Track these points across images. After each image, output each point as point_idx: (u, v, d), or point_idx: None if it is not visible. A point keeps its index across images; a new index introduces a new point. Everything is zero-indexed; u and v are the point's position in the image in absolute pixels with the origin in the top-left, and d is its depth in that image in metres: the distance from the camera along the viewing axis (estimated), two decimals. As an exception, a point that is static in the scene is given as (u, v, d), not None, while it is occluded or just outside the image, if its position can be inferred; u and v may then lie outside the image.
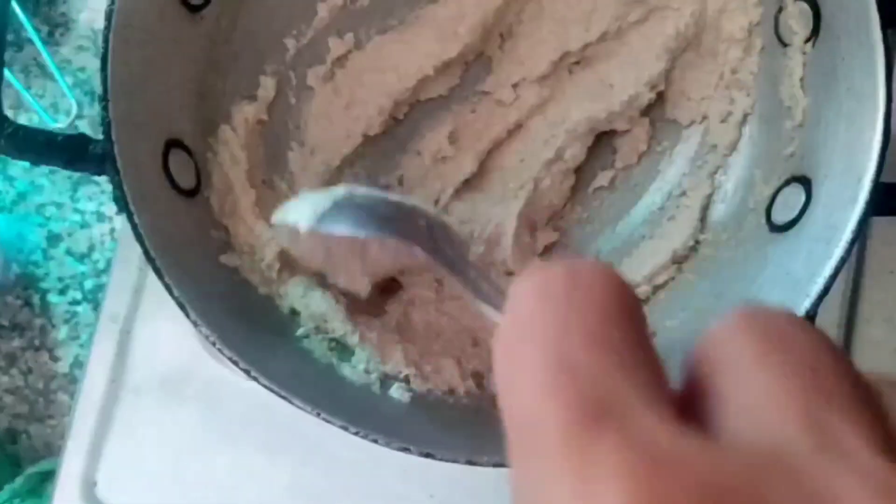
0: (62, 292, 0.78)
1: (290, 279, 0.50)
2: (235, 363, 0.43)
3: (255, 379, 0.43)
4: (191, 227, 0.48)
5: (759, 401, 0.17)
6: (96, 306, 0.74)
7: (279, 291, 0.49)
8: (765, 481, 0.15)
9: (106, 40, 0.45)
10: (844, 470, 0.15)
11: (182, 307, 0.43)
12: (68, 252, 0.78)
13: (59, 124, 0.77)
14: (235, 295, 0.48)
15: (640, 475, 0.14)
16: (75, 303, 0.79)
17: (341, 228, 0.37)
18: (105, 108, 0.44)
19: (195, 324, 0.43)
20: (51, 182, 0.77)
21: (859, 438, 0.16)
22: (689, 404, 0.17)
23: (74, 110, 0.77)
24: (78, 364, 0.76)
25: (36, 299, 0.78)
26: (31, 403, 0.73)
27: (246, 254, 0.49)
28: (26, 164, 0.76)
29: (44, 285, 0.77)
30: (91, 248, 0.78)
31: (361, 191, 0.39)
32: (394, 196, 0.39)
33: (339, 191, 0.39)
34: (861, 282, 0.58)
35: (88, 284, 0.78)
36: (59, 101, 0.82)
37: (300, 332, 0.49)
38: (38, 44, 0.80)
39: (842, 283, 0.58)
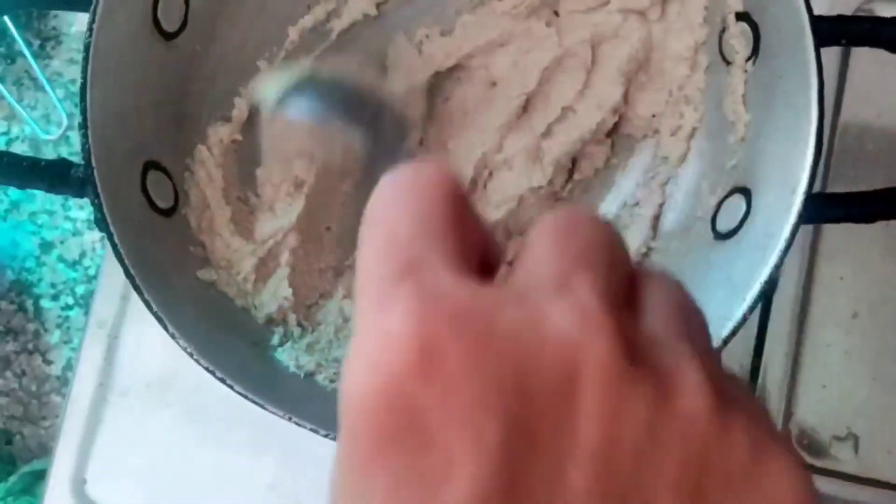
0: (55, 298, 0.81)
1: (264, 289, 0.53)
2: (212, 373, 0.46)
3: (230, 387, 0.46)
4: (169, 244, 0.51)
5: (535, 262, 0.22)
6: (87, 311, 0.77)
7: (255, 303, 0.52)
8: (501, 307, 0.20)
9: (84, 70, 0.47)
10: (563, 301, 0.20)
11: (161, 321, 0.46)
12: (60, 259, 0.81)
13: (51, 136, 0.80)
14: (213, 307, 0.51)
15: (418, 308, 0.19)
16: (67, 308, 0.81)
17: (297, 112, 0.41)
18: (85, 136, 0.47)
19: (173, 336, 0.46)
20: (43, 192, 0.79)
21: (585, 287, 0.20)
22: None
23: (65, 122, 0.80)
24: (70, 367, 0.79)
25: (29, 304, 0.81)
26: (25, 405, 0.76)
27: (222, 268, 0.52)
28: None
29: (37, 291, 0.79)
30: (82, 255, 0.80)
31: (325, 71, 0.42)
32: (351, 76, 0.42)
33: (305, 69, 0.43)
34: (812, 287, 0.61)
35: (80, 290, 0.80)
36: (52, 113, 0.85)
37: (274, 340, 0.52)
38: (30, 57, 0.82)
39: (794, 288, 0.61)
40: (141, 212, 0.50)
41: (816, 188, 0.49)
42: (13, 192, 0.80)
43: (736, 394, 0.21)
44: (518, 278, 0.21)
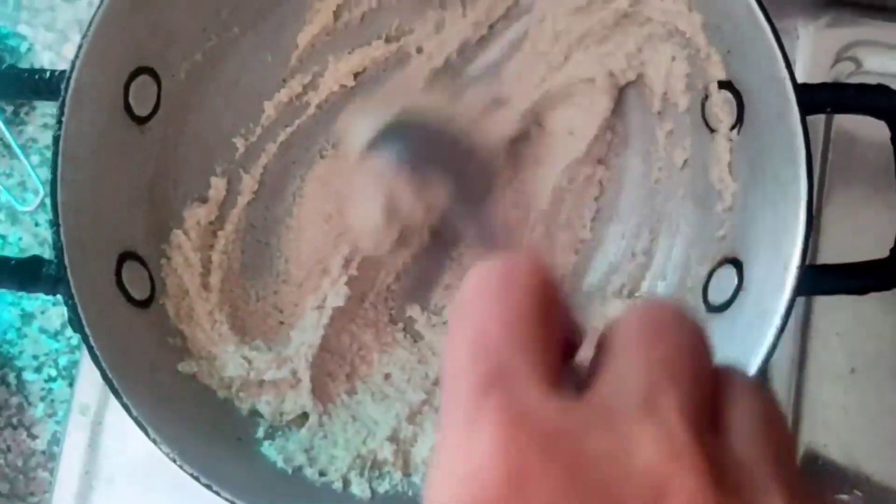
0: (37, 370, 0.79)
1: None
2: (196, 479, 0.45)
3: (216, 493, 0.45)
4: (147, 338, 0.50)
5: (619, 373, 0.22)
6: (71, 382, 0.76)
7: (238, 394, 0.51)
8: (588, 430, 0.20)
9: (54, 165, 0.46)
10: (649, 426, 0.20)
11: (142, 427, 0.45)
12: (42, 330, 0.80)
13: (28, 207, 0.78)
14: (194, 402, 0.50)
15: (506, 424, 0.20)
16: (51, 380, 0.80)
17: (387, 155, 0.40)
18: (56, 233, 0.46)
19: (155, 442, 0.45)
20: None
21: (672, 408, 0.20)
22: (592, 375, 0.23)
23: (41, 190, 0.79)
24: (55, 441, 0.77)
25: (12, 377, 0.80)
26: (11, 482, 0.75)
27: (204, 358, 0.51)
28: (-4, 244, 0.78)
29: (19, 363, 0.78)
30: (64, 325, 0.79)
31: (417, 113, 0.41)
32: (441, 120, 0.41)
33: (396, 111, 0.41)
34: (808, 344, 0.60)
35: (63, 361, 0.79)
36: (27, 180, 0.83)
37: (259, 433, 0.51)
38: (2, 125, 0.81)
39: (790, 346, 0.60)
40: (117, 307, 0.49)
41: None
42: (-9, 260, 0.78)
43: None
44: (602, 392, 0.22)
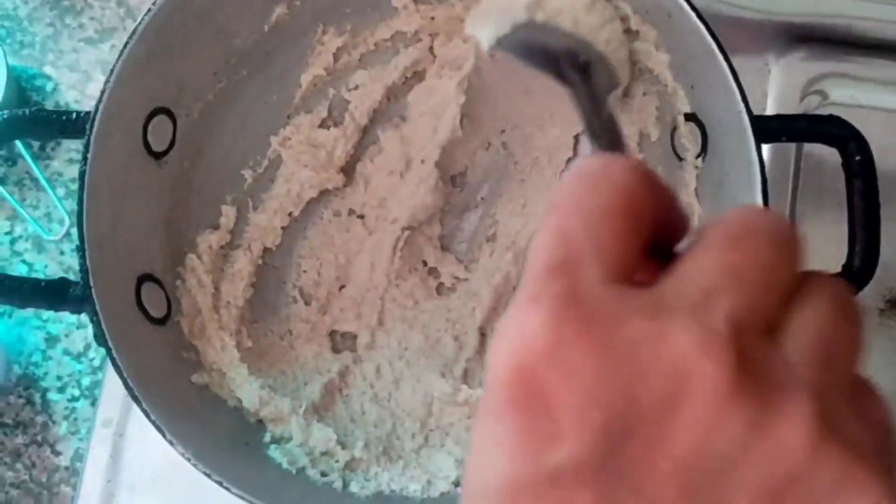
0: (61, 390, 0.83)
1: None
2: (209, 476, 0.49)
3: (227, 489, 0.49)
4: (164, 352, 0.54)
5: (690, 270, 0.23)
6: (93, 402, 0.79)
7: (247, 409, 0.56)
8: (634, 313, 0.22)
9: (80, 197, 0.51)
10: (692, 321, 0.22)
11: (159, 429, 0.50)
12: (65, 352, 0.84)
13: (54, 236, 0.83)
14: (206, 408, 0.55)
15: (560, 302, 0.22)
16: (74, 399, 0.84)
17: (513, 52, 0.43)
18: (82, 258, 0.51)
19: (171, 443, 0.50)
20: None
21: (723, 310, 0.22)
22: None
23: (67, 221, 0.83)
24: (78, 457, 0.81)
25: (37, 398, 0.84)
26: (35, 496, 0.79)
27: (214, 371, 0.56)
28: (23, 271, 0.83)
29: (44, 384, 0.82)
30: (87, 348, 0.83)
31: (539, 23, 0.44)
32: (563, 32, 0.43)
33: (521, 17, 0.44)
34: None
35: (85, 381, 0.83)
36: (52, 212, 0.88)
37: (266, 437, 0.55)
38: (29, 159, 0.86)
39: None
40: (136, 324, 0.53)
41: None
42: (18, 287, 0.83)
43: (850, 422, 0.23)
44: (665, 286, 0.23)
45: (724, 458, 0.22)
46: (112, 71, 0.51)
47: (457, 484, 0.54)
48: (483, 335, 0.60)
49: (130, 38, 0.51)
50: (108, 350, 0.50)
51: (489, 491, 0.23)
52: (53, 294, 0.52)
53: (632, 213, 0.24)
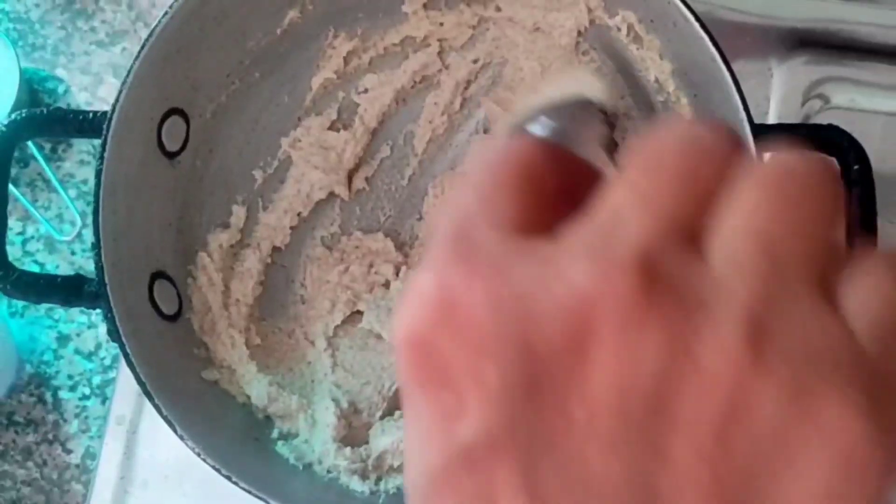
0: (72, 389, 0.84)
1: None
2: (218, 470, 0.50)
3: (235, 483, 0.50)
4: (175, 348, 0.55)
5: (597, 207, 0.21)
6: (104, 400, 0.80)
7: (256, 406, 0.57)
8: (521, 263, 0.20)
9: (96, 195, 0.52)
10: (589, 251, 0.19)
11: (170, 425, 0.51)
12: (77, 351, 0.84)
13: (66, 237, 0.84)
14: (216, 405, 0.56)
15: (448, 260, 0.21)
16: (85, 398, 0.85)
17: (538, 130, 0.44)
18: (98, 255, 0.52)
19: (182, 438, 0.51)
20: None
21: (622, 236, 0.19)
22: None
23: (78, 222, 0.84)
24: (89, 455, 0.82)
25: (48, 396, 0.85)
26: (46, 494, 0.80)
27: (224, 367, 0.57)
28: (34, 271, 0.84)
29: (55, 383, 0.83)
30: (98, 347, 0.84)
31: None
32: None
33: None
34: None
35: (96, 380, 0.84)
36: (64, 213, 0.89)
37: (274, 433, 0.56)
38: (42, 161, 0.87)
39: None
40: (149, 320, 0.54)
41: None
42: (30, 287, 0.84)
43: (809, 326, 0.18)
44: (572, 230, 0.20)
45: (647, 396, 0.18)
46: (129, 72, 0.52)
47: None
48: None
49: (147, 39, 0.52)
50: (122, 346, 0.51)
51: (413, 487, 0.21)
52: (69, 290, 0.53)
53: (526, 175, 0.22)
